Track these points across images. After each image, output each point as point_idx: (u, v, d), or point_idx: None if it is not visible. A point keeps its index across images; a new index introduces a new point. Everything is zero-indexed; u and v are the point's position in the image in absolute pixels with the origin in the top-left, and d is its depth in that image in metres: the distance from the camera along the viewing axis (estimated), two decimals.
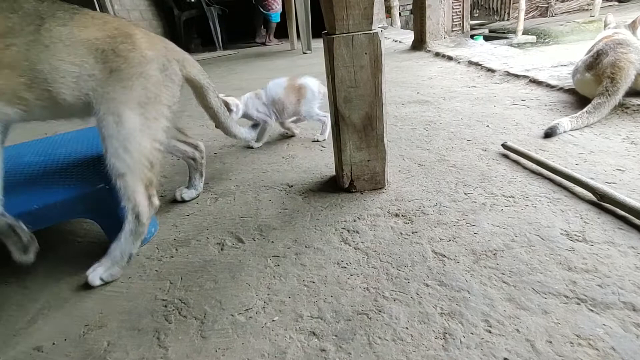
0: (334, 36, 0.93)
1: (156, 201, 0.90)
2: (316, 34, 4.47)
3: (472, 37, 3.76)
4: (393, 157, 1.29)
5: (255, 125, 1.46)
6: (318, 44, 4.48)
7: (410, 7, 6.14)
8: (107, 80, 0.84)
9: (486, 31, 6.17)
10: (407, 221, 0.96)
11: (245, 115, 1.45)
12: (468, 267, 0.78)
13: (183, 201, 1.18)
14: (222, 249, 0.93)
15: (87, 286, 0.85)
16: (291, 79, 1.53)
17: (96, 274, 0.85)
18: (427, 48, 3.24)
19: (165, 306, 0.77)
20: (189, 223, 1.06)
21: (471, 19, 5.00)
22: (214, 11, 5.73)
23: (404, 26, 6.12)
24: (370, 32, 0.93)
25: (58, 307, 0.80)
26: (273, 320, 0.71)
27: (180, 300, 0.78)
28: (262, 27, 6.02)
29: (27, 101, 0.79)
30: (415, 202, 1.03)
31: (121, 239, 0.86)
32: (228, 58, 4.89)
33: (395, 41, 4.13)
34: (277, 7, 5.42)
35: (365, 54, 0.94)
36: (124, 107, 0.84)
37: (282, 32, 5.73)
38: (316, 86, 1.53)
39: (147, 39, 0.91)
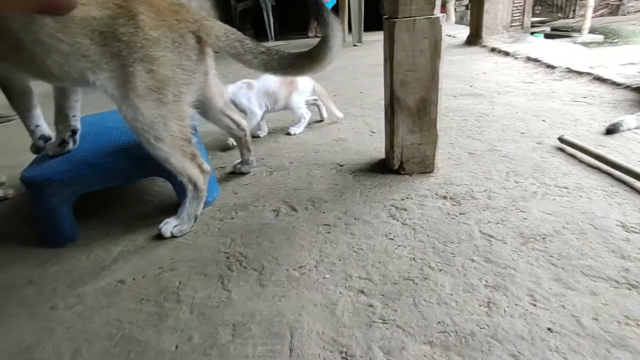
0: (396, 20, 0.97)
1: (207, 167, 0.97)
2: (367, 27, 4.48)
3: (531, 34, 3.60)
4: (443, 145, 1.30)
5: None
6: (368, 37, 4.49)
7: (465, 1, 5.96)
8: (111, 66, 0.82)
9: (548, 29, 5.85)
10: (455, 203, 0.98)
11: (232, 103, 1.45)
12: (515, 248, 0.79)
13: (241, 173, 1.27)
14: (277, 215, 1.01)
15: (159, 237, 0.96)
16: None
17: (167, 227, 0.95)
18: (483, 43, 3.15)
19: (228, 258, 0.86)
20: (247, 191, 1.15)
21: (532, 16, 4.77)
22: (269, 3, 5.89)
23: (458, 22, 5.94)
24: (432, 16, 0.96)
25: (135, 252, 0.92)
26: (324, 278, 0.77)
27: (240, 254, 0.87)
28: (315, 20, 6.11)
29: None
30: (464, 186, 1.05)
31: (186, 204, 0.96)
32: (280, 48, 5.01)
33: (449, 36, 4.04)
34: None
35: (426, 38, 0.97)
36: (135, 97, 0.83)
37: None
38: (308, 81, 1.59)
39: (154, 16, 0.84)
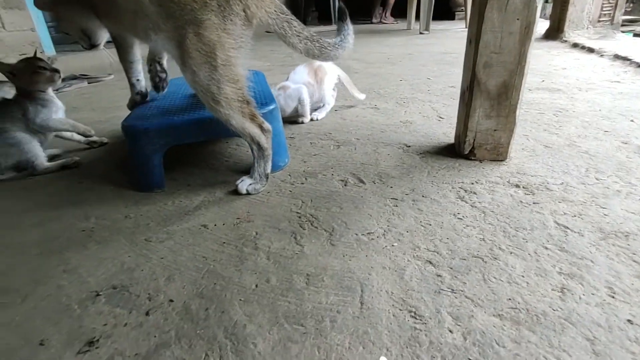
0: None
1: (267, 126, 1.00)
2: (434, 16, 4.33)
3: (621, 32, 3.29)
4: (517, 136, 1.26)
5: None
6: (435, 26, 4.34)
7: None
8: (167, 27, 0.88)
9: (638, 29, 5.29)
10: (528, 193, 0.96)
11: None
12: (593, 242, 0.77)
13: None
14: (345, 185, 1.04)
15: (235, 192, 1.03)
16: (309, 64, 1.58)
17: (243, 184, 1.02)
18: (564, 38, 2.94)
19: (299, 217, 0.91)
20: (316, 161, 1.20)
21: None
22: None
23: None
24: None
25: (215, 203, 1.00)
26: (393, 245, 0.80)
27: (311, 215, 0.92)
28: (379, 5, 5.98)
29: None
30: (539, 177, 1.02)
31: (255, 165, 1.02)
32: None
33: None
34: None
35: (517, 19, 0.94)
36: (189, 59, 0.87)
37: (398, 12, 5.64)
38: (336, 70, 1.60)
39: None
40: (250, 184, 1.02)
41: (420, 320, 0.62)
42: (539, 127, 1.35)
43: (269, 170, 1.04)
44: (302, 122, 1.54)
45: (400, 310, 0.64)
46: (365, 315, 0.63)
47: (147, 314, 0.66)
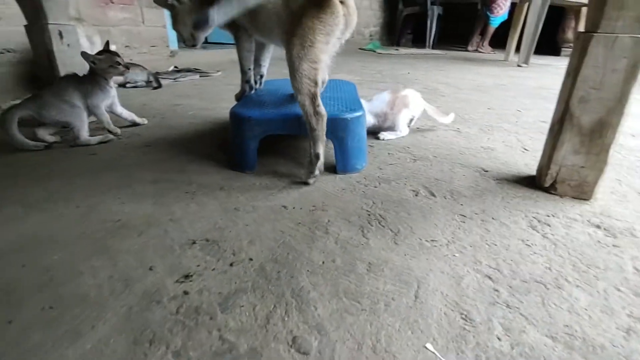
0: (594, 34, 0.94)
1: (322, 110, 1.09)
2: (538, 50, 4.13)
3: None
4: (607, 178, 1.20)
5: None
6: (536, 60, 4.14)
7: None
8: (284, 16, 1.07)
9: None
10: (609, 235, 0.92)
11: None
12: None
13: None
14: (416, 195, 1.10)
15: (294, 182, 1.14)
16: (394, 92, 1.59)
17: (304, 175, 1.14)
18: None
19: (369, 215, 0.99)
20: (391, 170, 1.26)
21: None
22: (436, 11, 5.88)
23: None
24: (638, 36, 0.91)
25: (295, 190, 1.12)
26: (454, 255, 0.83)
27: (380, 215, 0.99)
28: (478, 34, 5.86)
29: None
30: (625, 223, 0.97)
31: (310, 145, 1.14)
32: (435, 57, 5.00)
33: None
34: (502, 12, 5.16)
35: (624, 57, 0.93)
36: (288, 36, 1.06)
37: (497, 42, 5.46)
38: (420, 104, 1.59)
39: None
40: (309, 174, 1.15)
41: (470, 323, 0.65)
42: (635, 174, 1.26)
43: (319, 150, 1.12)
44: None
45: (452, 310, 0.68)
46: (417, 307, 0.68)
47: (230, 265, 0.78)
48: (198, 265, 0.78)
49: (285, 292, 0.71)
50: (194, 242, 0.85)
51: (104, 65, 1.47)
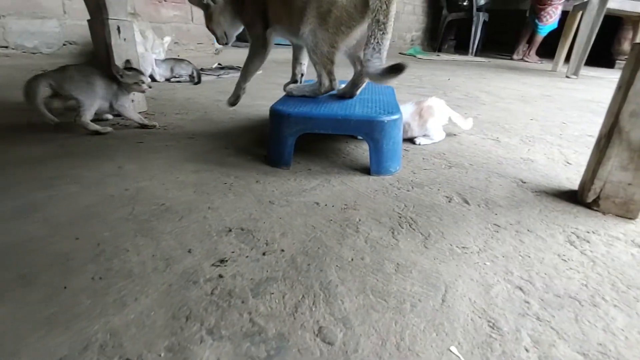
0: None
1: (336, 84, 1.30)
2: (590, 61, 3.93)
3: None
4: None
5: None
6: (586, 72, 3.94)
7: None
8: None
9: None
10: None
11: None
12: None
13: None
14: (449, 202, 1.09)
15: (345, 183, 1.16)
16: (418, 103, 1.57)
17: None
18: None
19: (400, 217, 0.99)
20: (425, 175, 1.26)
21: None
22: (482, 17, 5.73)
23: None
24: None
25: (328, 189, 1.14)
26: (485, 264, 0.82)
27: (411, 218, 0.99)
28: (525, 42, 5.65)
29: None
30: None
31: (312, 87, 1.34)
32: (478, 64, 4.87)
33: None
34: (551, 20, 4.95)
35: None
36: (313, 20, 1.18)
37: (545, 52, 5.25)
38: (445, 112, 1.57)
39: None
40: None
41: (498, 332, 0.65)
42: None
43: (314, 96, 1.35)
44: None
45: (480, 317, 0.67)
46: (444, 311, 0.68)
47: (263, 254, 0.82)
48: (233, 252, 0.82)
49: (314, 284, 0.73)
50: (230, 230, 0.90)
51: (129, 81, 1.56)
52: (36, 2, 2.39)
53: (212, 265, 0.78)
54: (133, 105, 1.84)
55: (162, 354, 0.57)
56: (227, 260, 0.79)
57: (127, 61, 1.64)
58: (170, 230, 0.89)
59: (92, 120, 1.51)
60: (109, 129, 1.57)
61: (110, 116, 1.71)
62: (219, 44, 1.48)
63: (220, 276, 0.74)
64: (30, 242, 0.82)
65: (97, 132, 1.52)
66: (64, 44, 2.46)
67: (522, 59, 5.61)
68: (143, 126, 1.65)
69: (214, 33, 1.46)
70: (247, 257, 0.81)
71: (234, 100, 1.56)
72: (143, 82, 1.59)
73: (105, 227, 0.89)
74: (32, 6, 2.42)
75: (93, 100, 1.51)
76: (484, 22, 5.89)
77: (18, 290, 0.69)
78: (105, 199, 1.01)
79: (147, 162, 1.27)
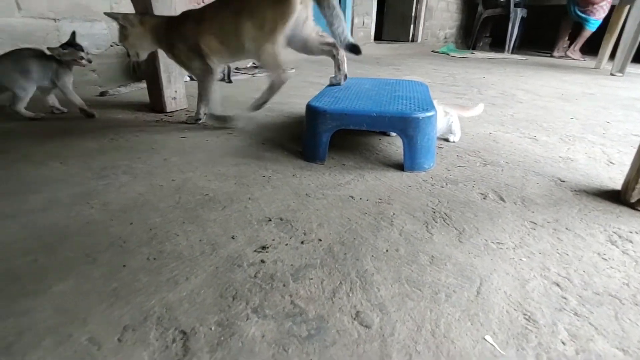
0: None
1: (285, 76, 1.49)
2: (637, 58, 3.71)
3: None
4: None
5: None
6: (634, 69, 3.74)
7: None
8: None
9: None
10: None
11: None
12: None
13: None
14: (484, 199, 1.09)
15: (379, 178, 1.18)
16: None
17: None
18: None
19: (434, 212, 1.01)
20: (459, 172, 1.26)
21: None
22: (520, 13, 5.54)
23: None
24: None
25: (362, 183, 1.17)
26: (521, 260, 0.83)
27: (445, 214, 1.00)
28: (566, 38, 5.40)
29: None
30: None
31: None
32: (515, 62, 4.72)
33: None
34: (603, 14, 4.70)
35: None
36: (250, 29, 1.39)
37: (588, 48, 5.01)
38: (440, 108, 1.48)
39: None
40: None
41: (534, 324, 0.65)
42: None
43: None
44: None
45: (515, 310, 0.68)
46: (479, 302, 0.70)
47: (301, 242, 0.86)
48: (273, 240, 0.86)
49: (351, 272, 0.77)
50: (270, 220, 0.94)
51: (67, 58, 1.62)
52: (87, 6, 2.56)
53: (255, 251, 0.82)
54: (175, 102, 1.94)
55: (213, 328, 0.63)
56: (268, 247, 0.84)
57: (73, 33, 1.66)
58: (214, 218, 0.94)
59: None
60: (42, 114, 1.70)
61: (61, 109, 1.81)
62: (131, 59, 1.60)
63: (262, 261, 0.79)
64: (90, 225, 0.90)
65: (32, 119, 1.65)
66: (111, 45, 2.61)
67: (564, 56, 5.36)
68: (82, 111, 1.73)
69: (126, 49, 1.58)
70: (286, 244, 0.85)
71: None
72: (82, 58, 1.65)
73: (156, 213, 0.96)
74: (83, 10, 2.59)
75: (28, 89, 1.58)
76: (522, 18, 5.68)
77: (83, 267, 0.76)
78: (155, 188, 1.09)
79: (190, 156, 1.34)
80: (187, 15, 1.52)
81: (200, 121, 1.71)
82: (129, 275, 0.74)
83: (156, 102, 1.93)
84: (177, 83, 1.94)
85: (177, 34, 1.49)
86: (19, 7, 2.73)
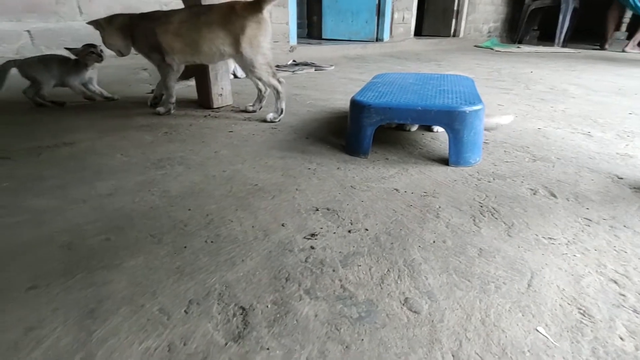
0: None
1: (282, 80, 1.68)
2: None
3: None
4: None
5: None
6: None
7: None
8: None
9: None
10: None
11: None
12: None
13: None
14: (534, 194, 1.06)
15: (423, 172, 1.19)
16: None
17: (269, 116, 1.72)
18: None
19: (481, 206, 1.00)
20: (506, 167, 1.24)
21: None
22: (571, 4, 5.23)
23: None
24: None
25: (406, 177, 1.17)
26: (575, 256, 0.81)
27: (493, 208, 0.99)
28: (615, 29, 5.03)
29: None
30: None
31: (276, 103, 1.71)
32: (566, 56, 4.47)
33: None
34: None
35: None
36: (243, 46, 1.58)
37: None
38: None
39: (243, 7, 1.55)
40: (272, 114, 1.72)
41: (589, 319, 0.64)
42: None
43: (283, 105, 1.73)
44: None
45: (569, 304, 0.67)
46: (530, 295, 0.69)
47: (349, 231, 0.89)
48: (321, 228, 0.90)
49: (398, 261, 0.78)
50: (317, 209, 0.98)
51: (82, 52, 1.87)
52: (137, 8, 2.72)
53: (304, 238, 0.86)
54: (221, 99, 2.03)
55: (269, 306, 0.67)
56: (316, 235, 0.87)
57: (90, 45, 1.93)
58: (264, 207, 0.99)
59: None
60: (49, 103, 1.92)
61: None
62: (118, 55, 1.77)
63: (312, 247, 0.83)
64: (153, 210, 0.98)
65: (52, 102, 1.91)
66: None
67: (623, 51, 5.00)
68: (87, 98, 2.03)
69: (110, 49, 1.74)
70: (334, 233, 0.88)
71: (165, 111, 1.82)
72: (92, 53, 1.86)
73: (211, 201, 1.02)
74: (135, 12, 2.75)
75: (49, 82, 1.86)
76: (574, 9, 5.36)
77: (150, 246, 0.83)
78: (208, 178, 1.16)
79: (239, 149, 1.41)
80: (154, 15, 1.66)
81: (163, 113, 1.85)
82: (191, 255, 0.80)
83: (204, 99, 2.03)
84: (223, 80, 2.02)
85: (140, 31, 1.65)
86: (80, 11, 2.95)
